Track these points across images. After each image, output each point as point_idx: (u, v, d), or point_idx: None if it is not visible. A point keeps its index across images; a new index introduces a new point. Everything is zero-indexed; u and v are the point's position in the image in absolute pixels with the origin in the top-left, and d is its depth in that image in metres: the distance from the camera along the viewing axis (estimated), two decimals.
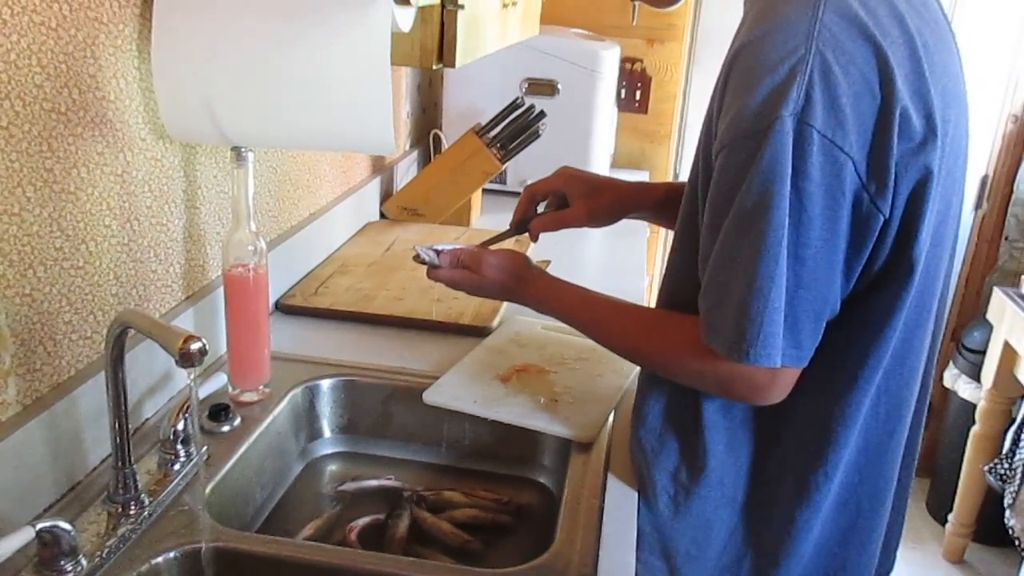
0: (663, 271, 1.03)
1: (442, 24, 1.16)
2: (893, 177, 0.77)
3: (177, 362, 0.73)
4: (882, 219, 0.79)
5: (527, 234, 1.21)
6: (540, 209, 1.22)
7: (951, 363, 2.77)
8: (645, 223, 2.24)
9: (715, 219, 0.82)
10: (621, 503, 0.98)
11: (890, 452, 0.96)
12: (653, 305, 1.02)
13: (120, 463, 0.87)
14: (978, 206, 2.95)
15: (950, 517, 2.68)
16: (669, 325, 0.93)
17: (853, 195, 0.77)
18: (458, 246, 1.11)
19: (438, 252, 1.10)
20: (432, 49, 1.15)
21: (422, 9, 1.13)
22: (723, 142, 0.79)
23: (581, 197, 1.18)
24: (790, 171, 0.75)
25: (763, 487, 0.95)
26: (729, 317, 0.80)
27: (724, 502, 0.95)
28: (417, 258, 1.10)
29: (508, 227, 1.22)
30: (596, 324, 1.01)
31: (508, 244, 1.43)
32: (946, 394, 2.82)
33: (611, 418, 1.14)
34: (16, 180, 0.82)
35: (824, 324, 0.83)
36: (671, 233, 1.01)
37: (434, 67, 1.17)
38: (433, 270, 1.10)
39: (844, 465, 0.92)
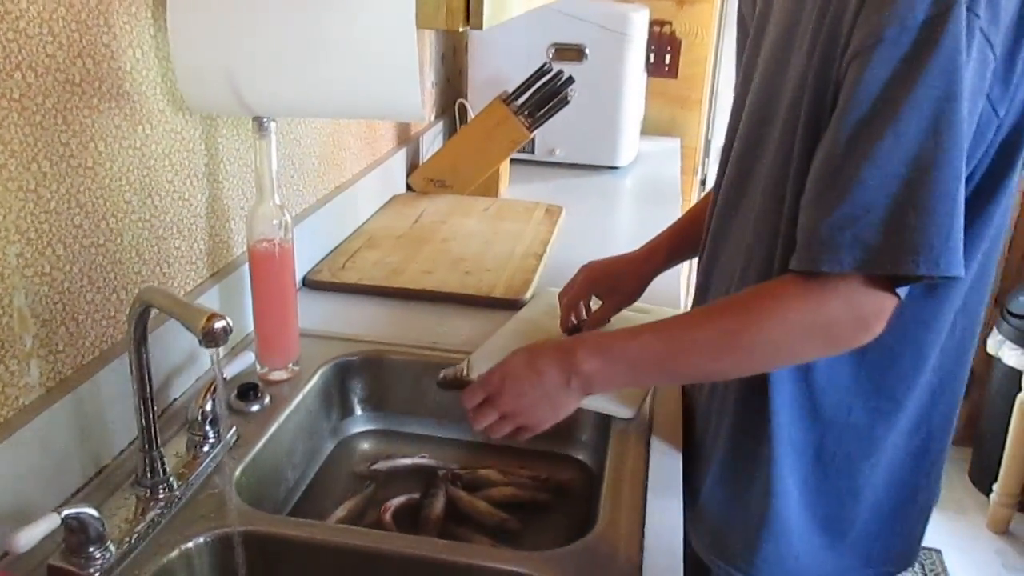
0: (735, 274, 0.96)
1: None
2: (1017, 78, 0.73)
3: (200, 342, 0.70)
4: (996, 124, 0.75)
5: None
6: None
7: (995, 329, 2.69)
8: (676, 186, 2.20)
9: (861, 127, 0.72)
10: (666, 481, 0.94)
11: (959, 375, 0.92)
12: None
13: (147, 446, 0.84)
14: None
15: (995, 487, 2.62)
16: (758, 290, 0.84)
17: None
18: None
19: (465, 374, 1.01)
20: (458, 10, 1.10)
21: None
22: (879, 36, 0.71)
23: (608, 294, 1.20)
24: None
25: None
26: (925, 228, 0.71)
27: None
28: (444, 382, 1.03)
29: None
30: (679, 333, 0.86)
31: None
32: (990, 361, 2.74)
33: (651, 391, 1.10)
34: (31, 155, 0.79)
35: None
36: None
37: (460, 29, 1.12)
38: (479, 407, 0.91)
39: (920, 386, 0.89)
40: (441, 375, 1.05)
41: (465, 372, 1.00)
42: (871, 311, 0.76)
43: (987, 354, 2.71)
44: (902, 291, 0.76)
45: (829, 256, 0.74)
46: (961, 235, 0.72)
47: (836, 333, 0.79)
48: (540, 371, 0.87)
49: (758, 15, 0.94)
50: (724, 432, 0.96)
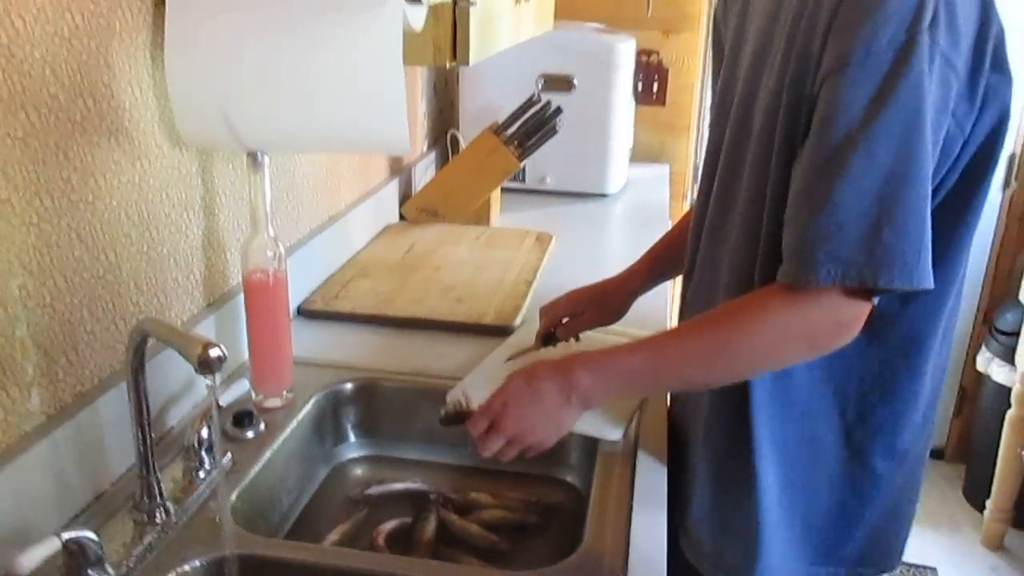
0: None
1: (454, 22, 1.14)
2: (980, 101, 0.77)
3: (196, 369, 0.73)
4: (962, 141, 0.78)
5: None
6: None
7: (984, 346, 2.72)
8: (665, 212, 2.23)
9: (835, 147, 0.76)
10: (650, 497, 0.97)
11: (938, 390, 0.96)
12: None
13: (144, 471, 0.86)
14: (1007, 184, 2.89)
15: (988, 503, 2.63)
16: (745, 301, 0.86)
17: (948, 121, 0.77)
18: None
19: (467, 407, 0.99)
20: (445, 47, 1.14)
21: (434, 7, 1.11)
22: (847, 59, 0.74)
23: (592, 307, 1.24)
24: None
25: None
26: (898, 242, 0.75)
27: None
28: (446, 419, 1.00)
29: (535, 342, 1.26)
30: (673, 345, 0.90)
31: None
32: (980, 378, 2.77)
33: (637, 415, 1.13)
34: (33, 190, 0.82)
35: None
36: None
37: (448, 65, 1.16)
38: (484, 434, 0.92)
39: None
40: (442, 413, 1.02)
41: (464, 404, 1.02)
42: (850, 317, 0.81)
43: (977, 371, 2.74)
44: (876, 298, 0.81)
45: (809, 270, 0.78)
46: (930, 250, 0.76)
47: (818, 339, 0.83)
48: (540, 392, 0.90)
49: (734, 33, 0.98)
50: (711, 436, 0.99)
